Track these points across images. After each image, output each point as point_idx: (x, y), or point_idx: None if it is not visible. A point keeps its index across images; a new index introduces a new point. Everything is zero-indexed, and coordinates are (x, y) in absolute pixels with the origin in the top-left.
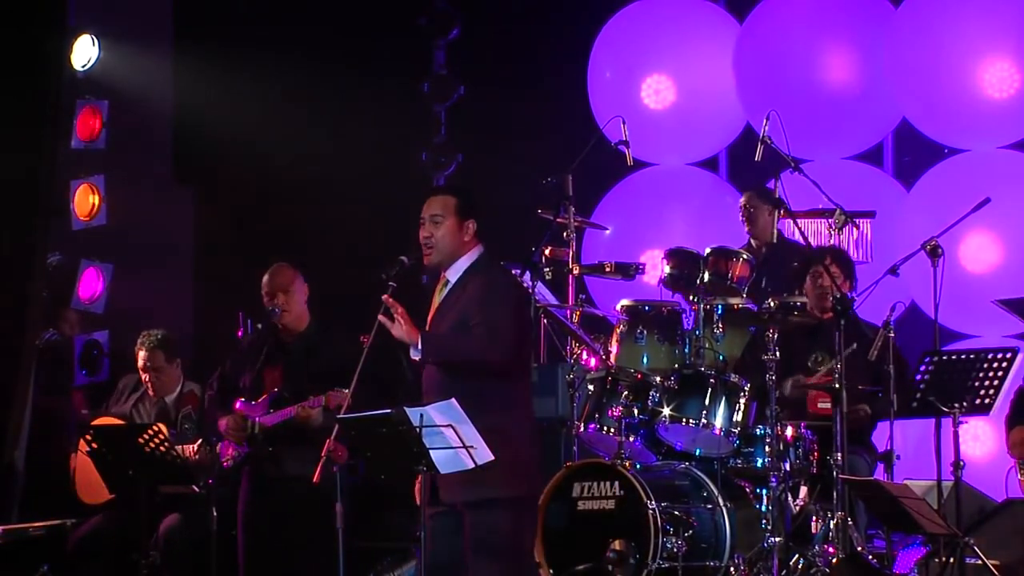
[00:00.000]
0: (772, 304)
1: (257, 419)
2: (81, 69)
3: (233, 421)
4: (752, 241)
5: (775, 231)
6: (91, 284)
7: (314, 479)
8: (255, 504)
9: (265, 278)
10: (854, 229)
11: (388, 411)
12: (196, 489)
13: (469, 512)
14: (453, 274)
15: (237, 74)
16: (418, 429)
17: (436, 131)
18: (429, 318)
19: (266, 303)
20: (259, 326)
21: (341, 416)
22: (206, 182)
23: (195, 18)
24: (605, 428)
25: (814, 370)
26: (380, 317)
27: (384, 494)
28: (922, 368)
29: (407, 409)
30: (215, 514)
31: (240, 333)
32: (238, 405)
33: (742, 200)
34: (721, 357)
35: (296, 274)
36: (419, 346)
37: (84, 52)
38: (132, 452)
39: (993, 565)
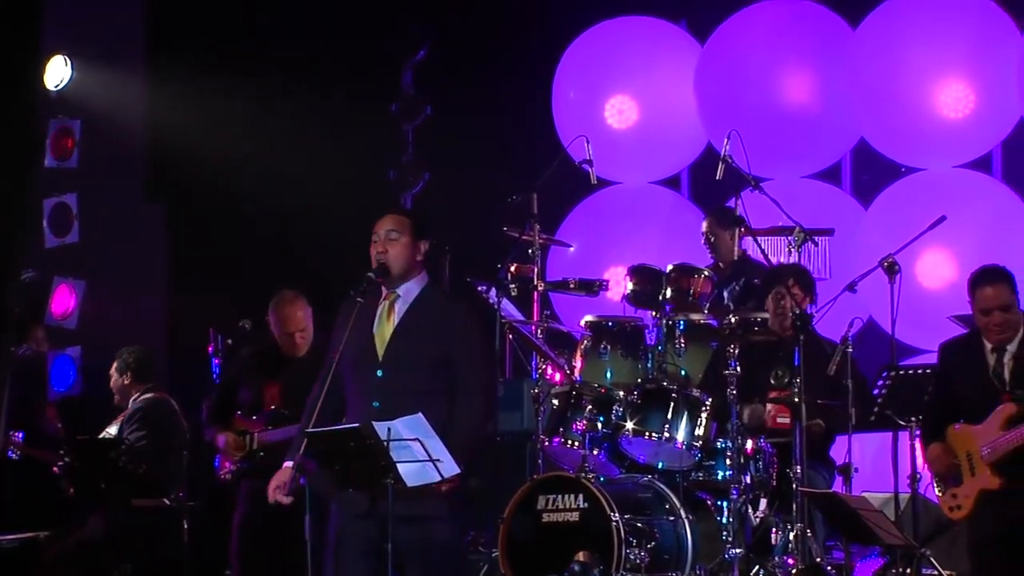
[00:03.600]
0: (733, 320)
1: (256, 434)
2: (54, 89)
3: (232, 437)
4: (718, 263)
5: (737, 249)
6: (64, 300)
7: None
8: (251, 517)
9: (283, 312)
10: (813, 246)
11: (356, 425)
12: (167, 503)
13: (410, 526)
14: (406, 293)
15: (208, 94)
16: (386, 443)
17: (404, 150)
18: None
19: (279, 336)
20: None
21: (310, 431)
22: (178, 200)
23: (167, 39)
24: (569, 442)
25: (776, 385)
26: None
27: None
28: (880, 383)
29: (375, 423)
30: (186, 527)
31: (211, 348)
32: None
33: (703, 227)
34: (683, 372)
35: (304, 301)
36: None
37: (57, 72)
38: (103, 466)
39: (948, 575)
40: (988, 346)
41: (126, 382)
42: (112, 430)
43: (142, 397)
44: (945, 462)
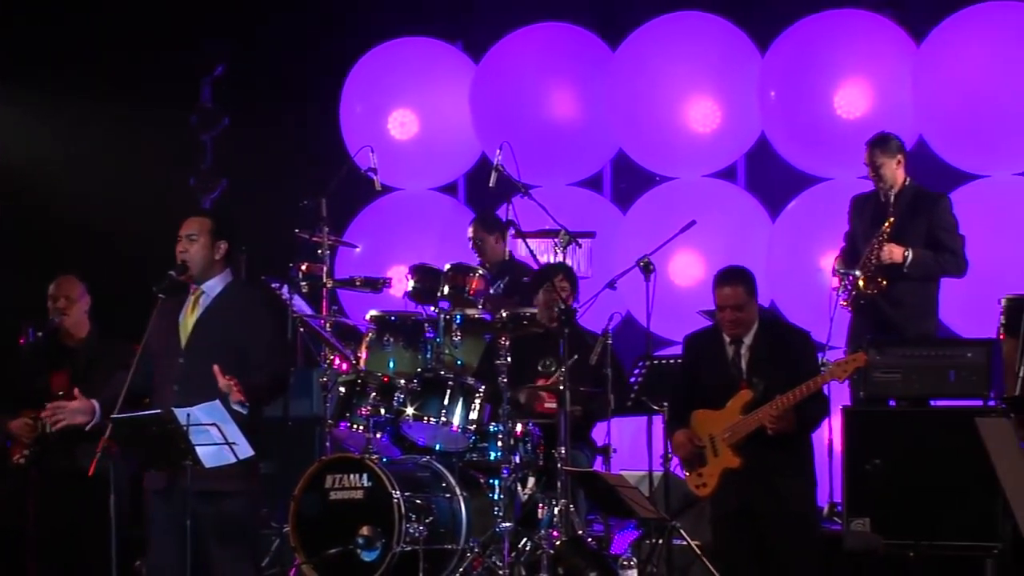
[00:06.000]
0: (504, 315)
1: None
2: None
3: (22, 423)
4: (485, 263)
5: (505, 251)
6: None
7: (88, 472)
8: (47, 497)
9: (51, 287)
10: (577, 247)
11: (158, 411)
12: None
13: (207, 502)
14: (209, 288)
15: (17, 104)
16: (185, 427)
17: (203, 159)
18: (187, 325)
19: (50, 309)
20: (40, 334)
21: (114, 416)
22: None
23: None
24: (355, 426)
25: (544, 373)
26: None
27: None
28: (636, 371)
29: (175, 409)
30: None
31: (22, 341)
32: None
33: (469, 232)
34: (459, 362)
35: (80, 284)
36: (246, 403)
37: None
38: None
39: (696, 545)
40: (727, 339)
41: None
42: None
43: None
44: (689, 448)
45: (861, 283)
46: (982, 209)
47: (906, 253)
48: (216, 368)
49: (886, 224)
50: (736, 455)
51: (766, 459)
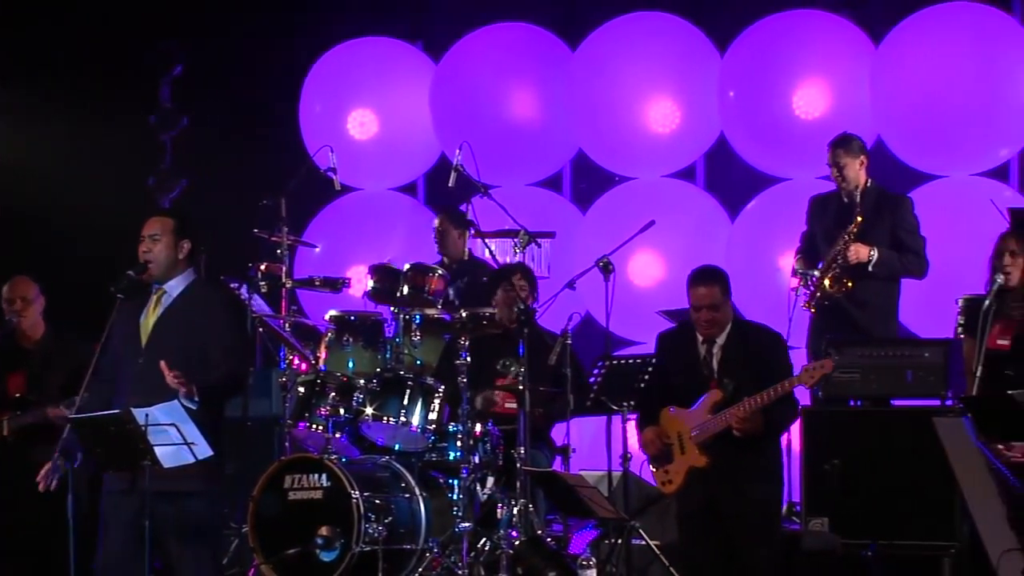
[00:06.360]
0: (463, 314)
1: (6, 420)
2: None
3: None
4: (444, 259)
5: (466, 250)
6: None
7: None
8: (4, 499)
9: (5, 288)
10: (536, 248)
11: (117, 411)
12: None
13: (168, 503)
14: (171, 288)
15: None
16: (144, 427)
17: (162, 159)
18: (148, 325)
19: (6, 311)
20: None
21: (73, 416)
22: None
23: None
24: (314, 426)
25: (503, 374)
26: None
27: None
28: (595, 371)
29: (134, 410)
30: None
31: None
32: None
33: (435, 223)
34: (419, 362)
35: (35, 285)
36: (196, 398)
37: None
38: None
39: (655, 545)
40: (700, 338)
41: None
42: None
43: None
44: (658, 445)
45: (827, 283)
46: (939, 209)
47: (871, 253)
48: (163, 364)
49: (853, 225)
50: (703, 454)
51: (733, 459)
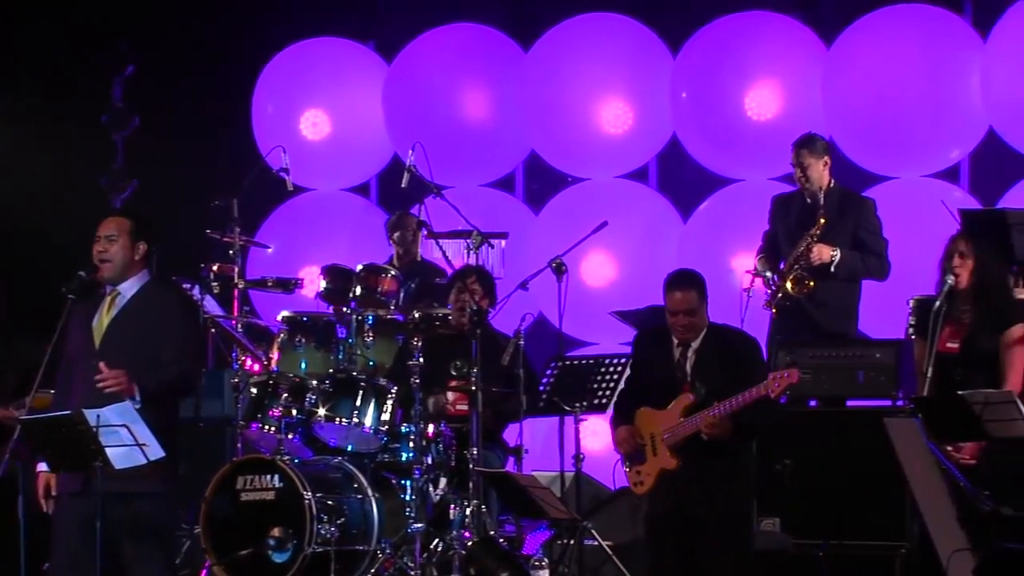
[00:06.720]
0: (417, 315)
1: None
2: None
3: None
4: (395, 260)
5: (418, 251)
6: None
7: None
8: None
9: None
10: (489, 248)
11: (68, 413)
12: None
13: (122, 504)
14: (126, 289)
15: None
16: (95, 429)
17: (114, 159)
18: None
19: None
20: None
21: (24, 417)
22: None
23: None
24: (266, 427)
25: (456, 375)
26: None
27: None
28: (548, 372)
29: (85, 411)
30: None
31: None
32: None
33: (389, 222)
34: (372, 363)
35: None
36: (138, 397)
37: None
38: None
39: (608, 545)
40: (675, 341)
41: None
42: None
43: None
44: (632, 444)
45: (789, 285)
46: (891, 210)
47: (833, 254)
48: (101, 364)
49: (816, 227)
50: (674, 456)
51: (703, 463)
